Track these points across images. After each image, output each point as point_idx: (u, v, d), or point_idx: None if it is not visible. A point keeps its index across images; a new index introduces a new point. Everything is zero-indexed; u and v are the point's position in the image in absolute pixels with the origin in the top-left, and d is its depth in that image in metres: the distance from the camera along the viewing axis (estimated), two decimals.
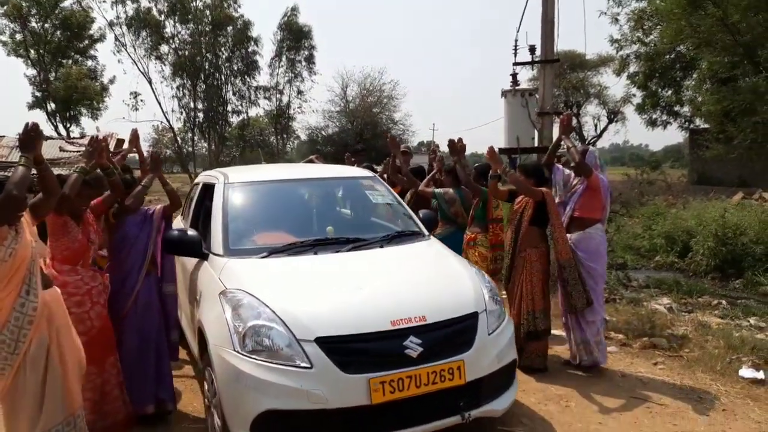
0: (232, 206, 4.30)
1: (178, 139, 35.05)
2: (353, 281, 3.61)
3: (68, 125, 34.20)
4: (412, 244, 4.29)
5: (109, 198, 4.04)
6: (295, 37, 32.99)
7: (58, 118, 33.96)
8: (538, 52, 15.95)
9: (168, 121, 32.86)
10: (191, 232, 4.13)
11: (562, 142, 5.04)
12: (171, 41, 32.17)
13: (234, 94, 33.91)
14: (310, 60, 33.71)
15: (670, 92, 20.36)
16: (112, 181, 3.99)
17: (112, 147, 7.06)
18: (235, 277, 3.60)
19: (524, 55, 16.51)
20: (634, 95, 23.21)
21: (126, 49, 31.48)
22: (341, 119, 35.04)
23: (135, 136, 4.86)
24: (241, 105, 34.31)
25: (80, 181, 3.54)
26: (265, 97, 34.37)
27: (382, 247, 4.10)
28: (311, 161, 7.40)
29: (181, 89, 32.64)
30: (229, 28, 32.71)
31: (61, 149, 8.35)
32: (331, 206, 5.07)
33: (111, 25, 31.73)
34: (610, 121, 31.38)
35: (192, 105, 33.10)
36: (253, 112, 35.70)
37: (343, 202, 5.18)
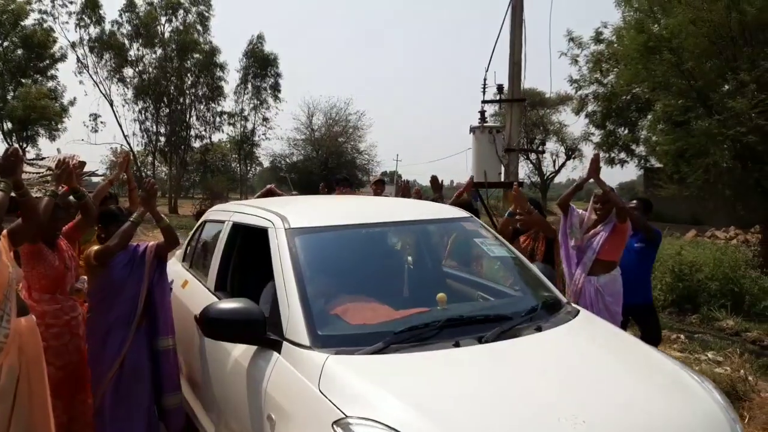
0: (307, 266, 2.89)
1: (138, 162, 34.48)
2: (552, 402, 2.22)
3: (25, 145, 33.32)
4: (572, 322, 2.99)
5: (81, 223, 3.80)
6: (260, 65, 33.18)
7: (14, 137, 33.07)
8: (505, 90, 16.38)
9: (128, 144, 32.48)
10: (246, 305, 2.68)
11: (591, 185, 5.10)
12: (135, 64, 31.91)
13: (198, 119, 33.78)
14: (275, 87, 34.02)
15: (626, 132, 21.16)
16: (84, 204, 3.73)
17: None
18: (352, 394, 2.24)
19: (492, 92, 16.90)
20: (593, 134, 24.03)
21: (88, 71, 31.13)
22: (306, 147, 35.28)
23: (126, 159, 4.47)
24: (205, 130, 34.23)
25: (52, 205, 3.32)
26: (229, 123, 34.38)
27: (540, 330, 2.78)
28: (271, 191, 6.63)
29: (143, 112, 32.40)
30: (196, 55, 32.66)
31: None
32: (432, 260, 3.85)
33: (73, 45, 31.36)
34: (568, 158, 32.39)
35: (154, 128, 32.75)
36: (217, 137, 35.55)
37: (450, 254, 3.94)
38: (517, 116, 18.14)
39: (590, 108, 21.85)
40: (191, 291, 3.85)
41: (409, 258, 3.69)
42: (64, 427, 3.51)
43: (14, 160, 2.83)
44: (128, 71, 32.14)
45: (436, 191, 5.83)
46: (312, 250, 3.08)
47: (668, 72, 16.52)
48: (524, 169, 31.91)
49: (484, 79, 17.80)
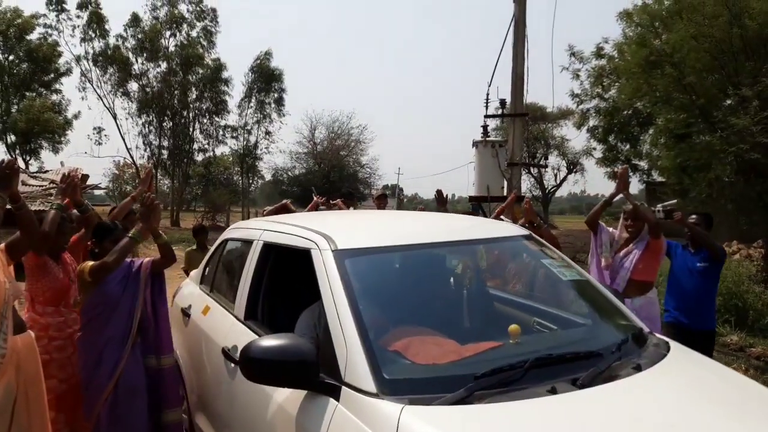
0: (362, 295, 2.44)
1: (140, 175, 34.21)
2: None
3: (28, 158, 32.99)
4: (669, 358, 2.53)
5: (84, 236, 3.73)
6: (265, 80, 32.99)
7: (17, 150, 32.73)
8: (507, 104, 16.17)
9: (131, 156, 32.24)
10: (296, 342, 2.26)
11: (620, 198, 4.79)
12: (139, 78, 31.67)
13: (201, 132, 33.51)
14: (279, 102, 33.83)
15: (628, 146, 20.95)
16: (87, 217, 3.70)
17: None
18: None
19: (494, 106, 16.70)
20: (595, 148, 23.83)
21: (92, 84, 30.89)
22: (308, 161, 35.05)
23: (150, 174, 4.19)
24: (208, 143, 33.95)
25: (59, 218, 3.34)
26: (232, 137, 34.09)
27: (639, 369, 2.34)
28: (286, 207, 6.28)
29: (147, 126, 32.12)
30: (200, 70, 32.46)
31: (23, 183, 7.84)
32: (494, 284, 3.45)
33: (78, 59, 31.14)
34: (570, 172, 32.20)
35: (157, 142, 32.47)
36: (220, 150, 35.29)
37: (512, 277, 3.51)
38: (520, 130, 17.93)
39: (592, 122, 21.72)
40: (215, 319, 3.44)
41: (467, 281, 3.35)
42: None
43: (10, 173, 2.77)
44: (132, 85, 32.10)
45: (440, 205, 5.52)
46: (364, 276, 2.64)
47: (670, 86, 16.38)
48: (526, 183, 31.77)
49: (487, 94, 17.55)
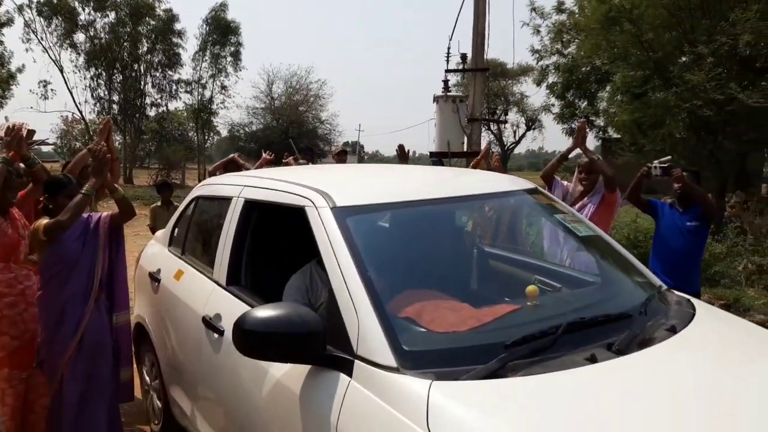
0: (370, 257, 2.12)
1: (90, 131, 32.56)
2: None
3: None
4: (699, 316, 2.29)
5: (32, 191, 3.55)
6: (221, 33, 31.40)
7: None
8: (468, 59, 15.80)
9: (80, 112, 30.53)
10: (299, 312, 1.95)
11: (575, 154, 4.60)
12: (86, 29, 29.73)
13: (153, 86, 31.90)
14: (236, 56, 32.32)
15: (585, 103, 20.92)
16: (35, 172, 3.49)
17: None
18: None
19: (455, 61, 16.33)
20: (553, 105, 23.74)
21: (36, 36, 28.85)
22: (266, 116, 33.95)
23: (108, 127, 3.76)
24: (161, 98, 32.36)
25: (5, 171, 3.18)
26: (186, 91, 32.57)
27: (674, 331, 2.09)
28: (234, 161, 5.93)
29: (95, 79, 30.32)
30: (151, 21, 30.65)
31: None
32: (504, 242, 3.15)
33: (20, 9, 28.94)
34: (528, 128, 32.21)
35: (107, 96, 30.79)
36: (173, 105, 33.74)
37: (521, 234, 3.21)
38: (480, 86, 17.63)
39: (551, 79, 21.51)
40: (191, 284, 3.07)
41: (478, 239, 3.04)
42: (21, 395, 3.35)
43: None
44: (79, 36, 30.02)
45: (402, 161, 5.24)
46: (368, 236, 2.33)
47: (628, 43, 16.31)
48: (486, 140, 31.60)
49: (448, 48, 17.09)
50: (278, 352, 1.95)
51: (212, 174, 5.85)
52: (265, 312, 1.93)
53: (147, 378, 3.72)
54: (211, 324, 2.60)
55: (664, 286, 2.57)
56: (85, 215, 3.26)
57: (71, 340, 3.11)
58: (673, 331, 2.10)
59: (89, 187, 3.15)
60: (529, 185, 2.93)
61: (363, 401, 1.78)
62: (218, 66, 32.09)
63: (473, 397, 1.68)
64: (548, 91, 22.34)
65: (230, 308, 2.57)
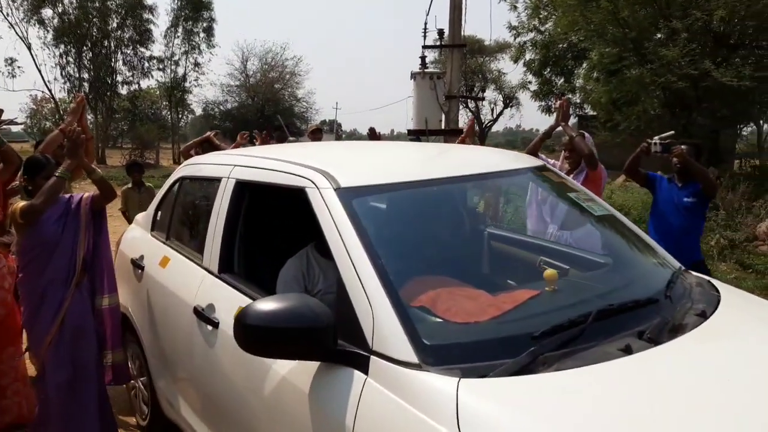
0: (380, 242, 1.94)
1: (60, 110, 31.49)
2: None
3: None
4: (726, 300, 2.13)
5: (3, 171, 3.42)
6: (193, 8, 30.37)
7: None
8: (446, 35, 15.54)
9: (50, 90, 29.43)
10: (306, 303, 1.75)
11: (560, 131, 4.42)
12: (54, 4, 28.50)
13: (124, 63, 30.81)
14: (209, 32, 31.35)
15: (562, 80, 20.84)
16: (4, 152, 3.37)
17: None
18: None
19: (433, 37, 16.08)
20: (530, 82, 23.63)
21: (2, 11, 27.58)
22: (241, 94, 33.15)
23: (81, 104, 3.52)
24: (132, 76, 31.29)
25: None
26: (158, 69, 31.55)
27: (704, 316, 1.95)
28: (209, 141, 5.62)
29: (65, 57, 29.17)
30: None
31: None
32: (516, 223, 3.08)
33: None
34: (506, 106, 32.07)
35: (77, 74, 29.70)
36: (146, 83, 32.72)
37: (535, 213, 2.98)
38: (458, 62, 17.45)
39: (528, 56, 21.37)
40: (178, 272, 2.84)
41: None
42: None
43: None
44: (47, 12, 28.80)
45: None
46: (376, 219, 2.14)
47: (604, 20, 16.22)
48: (463, 117, 31.30)
49: (425, 24, 16.82)
50: (285, 349, 1.75)
51: (185, 154, 5.56)
52: (269, 305, 1.72)
53: (132, 368, 3.50)
54: (203, 315, 2.39)
55: (683, 267, 2.42)
56: (64, 196, 3.13)
57: (51, 324, 2.99)
58: (703, 316, 1.95)
59: (63, 169, 3.00)
60: (538, 162, 2.73)
61: (382, 401, 1.60)
62: (191, 42, 31.12)
63: (506, 396, 1.51)
64: (525, 68, 22.25)
65: (224, 298, 2.36)
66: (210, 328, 2.35)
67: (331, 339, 1.73)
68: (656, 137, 4.10)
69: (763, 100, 14.97)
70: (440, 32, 16.43)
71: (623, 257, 2.45)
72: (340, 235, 1.92)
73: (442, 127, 16.02)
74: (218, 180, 2.69)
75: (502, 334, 1.76)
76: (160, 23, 39.42)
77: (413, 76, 15.51)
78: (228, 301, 2.33)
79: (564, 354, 1.65)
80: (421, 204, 2.37)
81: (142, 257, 3.21)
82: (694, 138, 16.39)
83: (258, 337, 1.72)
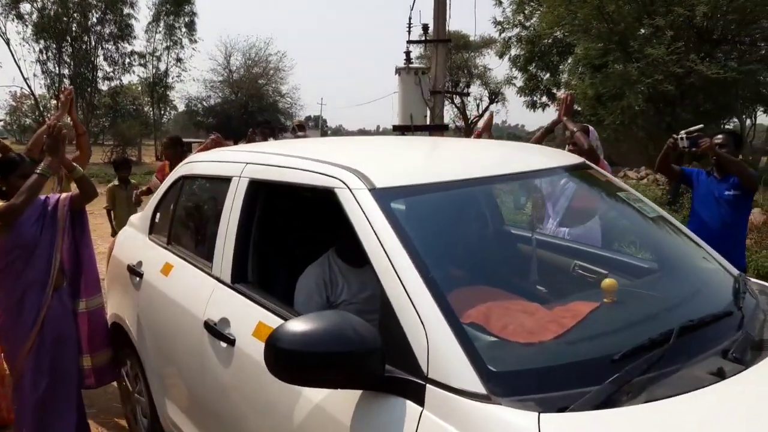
0: (429, 252, 1.67)
1: (41, 106, 30.63)
2: None
3: None
4: None
5: None
6: (175, 2, 29.60)
7: None
8: (430, 30, 15.31)
9: (29, 87, 28.59)
10: (349, 322, 1.49)
11: (561, 127, 4.22)
12: None
13: (105, 59, 29.98)
14: (191, 26, 30.57)
15: (548, 75, 20.71)
16: None
17: None
18: None
19: (417, 32, 15.83)
20: (516, 77, 23.47)
21: None
22: (224, 90, 32.41)
23: (70, 99, 3.34)
24: (113, 71, 30.46)
25: None
26: (140, 64, 30.77)
27: None
28: (217, 143, 5.39)
29: (44, 52, 28.30)
30: None
31: None
32: (563, 225, 2.79)
33: None
34: (491, 102, 31.87)
35: (57, 70, 28.87)
36: (127, 79, 31.93)
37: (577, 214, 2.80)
38: (443, 57, 17.15)
39: (513, 51, 21.21)
40: (184, 281, 2.52)
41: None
42: None
43: None
44: (26, 6, 27.89)
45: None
46: (419, 223, 1.86)
47: (589, 15, 16.12)
48: (449, 113, 31.06)
49: (409, 19, 16.50)
50: (326, 377, 1.48)
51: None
52: (306, 325, 1.46)
53: (128, 384, 3.20)
54: (216, 330, 2.11)
55: (742, 274, 2.14)
56: (41, 197, 2.92)
57: (31, 330, 2.83)
58: None
59: (44, 167, 2.79)
60: (578, 159, 2.45)
61: None
62: (173, 37, 30.36)
63: None
64: (511, 64, 22.09)
65: (240, 312, 2.08)
66: (224, 345, 2.07)
67: (380, 364, 1.48)
68: (683, 131, 3.87)
69: (746, 95, 14.99)
70: (425, 27, 16.17)
71: (675, 263, 2.22)
72: (381, 243, 1.65)
73: (428, 122, 15.80)
74: (228, 179, 2.39)
75: (576, 358, 1.50)
76: (141, 18, 38.59)
77: (398, 71, 15.21)
78: (244, 315, 2.05)
79: (649, 380, 1.41)
80: (464, 206, 2.11)
81: (140, 263, 2.89)
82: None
83: (293, 363, 1.45)
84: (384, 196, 1.77)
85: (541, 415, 1.29)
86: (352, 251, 2.26)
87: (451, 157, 2.34)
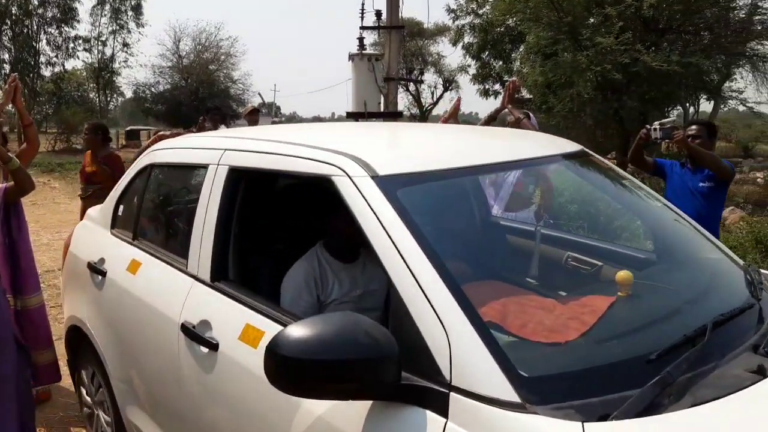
0: (444, 247, 1.54)
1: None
2: None
3: None
4: None
5: None
6: None
7: None
8: (384, 17, 15.10)
9: None
10: (360, 325, 1.30)
11: (505, 113, 4.18)
12: None
13: (48, 44, 28.42)
14: (137, 10, 29.35)
15: (500, 63, 20.75)
16: None
17: None
18: None
19: (371, 19, 15.61)
20: (469, 65, 23.44)
21: None
22: (173, 76, 31.21)
23: (15, 86, 3.18)
24: (57, 56, 28.94)
25: None
26: (85, 49, 29.34)
27: None
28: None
29: None
30: None
31: None
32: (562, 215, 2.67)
33: None
34: (446, 89, 31.84)
35: None
36: (71, 65, 30.39)
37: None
38: (396, 44, 17.00)
39: (467, 39, 21.15)
40: (155, 280, 2.24)
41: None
42: None
43: None
44: None
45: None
46: (427, 214, 1.66)
47: (540, 4, 16.23)
48: (404, 101, 30.79)
49: (362, 5, 16.25)
50: (335, 388, 1.29)
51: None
52: (311, 329, 1.27)
53: (87, 394, 2.89)
54: (195, 334, 1.88)
55: (748, 263, 2.05)
56: None
57: None
58: None
59: None
60: (578, 146, 2.28)
61: None
62: (119, 21, 29.13)
63: None
64: (464, 52, 22.04)
65: (223, 313, 1.86)
66: (205, 350, 1.85)
67: (396, 372, 1.30)
68: (656, 123, 3.81)
69: (689, 83, 15.40)
70: (377, 13, 15.96)
71: (678, 253, 2.11)
72: (390, 237, 1.45)
73: (381, 109, 15.59)
74: (204, 167, 2.13)
75: (610, 358, 1.35)
76: (86, 1, 36.63)
77: (351, 57, 14.95)
78: (228, 316, 1.83)
79: (689, 381, 1.29)
80: (470, 194, 1.94)
81: (102, 261, 2.59)
82: (625, 121, 16.78)
83: (298, 372, 1.26)
84: (389, 184, 1.57)
85: (585, 424, 1.14)
86: (342, 245, 2.07)
87: (451, 144, 2.12)
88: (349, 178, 1.61)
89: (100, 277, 2.56)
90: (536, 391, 1.22)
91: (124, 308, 2.36)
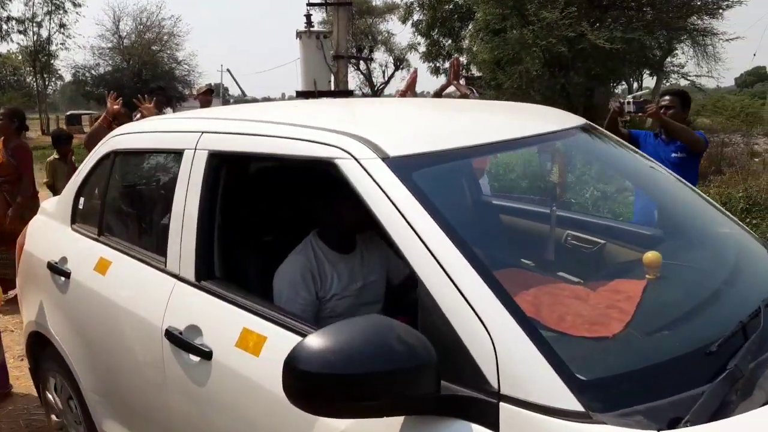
0: (473, 235, 1.36)
1: None
2: None
3: None
4: None
5: None
6: None
7: None
8: None
9: None
10: (397, 331, 1.10)
11: (451, 90, 4.21)
12: None
13: None
14: None
15: (450, 41, 20.59)
16: None
17: None
18: None
19: None
20: (419, 43, 23.16)
21: None
22: (114, 57, 29.62)
23: None
24: None
25: None
26: (19, 31, 27.41)
27: None
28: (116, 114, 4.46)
29: None
30: None
31: None
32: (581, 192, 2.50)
33: None
34: (397, 68, 31.41)
35: None
36: (5, 47, 28.39)
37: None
38: (344, 21, 16.58)
39: (416, 16, 20.86)
40: (129, 281, 1.97)
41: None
42: None
43: None
44: None
45: None
46: (450, 199, 1.49)
47: None
48: (355, 80, 30.21)
49: None
50: (366, 405, 1.10)
51: (93, 145, 4.43)
52: (336, 338, 1.08)
53: (55, 402, 2.59)
54: (182, 341, 1.64)
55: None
56: None
57: None
58: None
59: None
60: (583, 120, 2.09)
61: None
62: (54, 1, 27.27)
63: None
64: (414, 30, 21.76)
65: (216, 317, 1.63)
66: (195, 359, 1.61)
67: (435, 381, 1.11)
68: (630, 96, 3.77)
69: (633, 59, 15.70)
70: None
71: (692, 229, 1.98)
72: (410, 225, 1.26)
73: (332, 88, 15.18)
74: (179, 153, 1.86)
75: (666, 353, 1.20)
76: None
77: (299, 35, 14.48)
78: (221, 320, 1.60)
79: (753, 374, 1.16)
80: (485, 175, 1.74)
81: (64, 260, 2.28)
82: (572, 97, 16.98)
83: (323, 390, 1.07)
84: (402, 166, 1.37)
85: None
86: (341, 235, 1.87)
87: (459, 121, 1.91)
88: (356, 160, 1.40)
89: (63, 279, 2.25)
90: (598, 396, 1.06)
91: (94, 313, 2.08)
